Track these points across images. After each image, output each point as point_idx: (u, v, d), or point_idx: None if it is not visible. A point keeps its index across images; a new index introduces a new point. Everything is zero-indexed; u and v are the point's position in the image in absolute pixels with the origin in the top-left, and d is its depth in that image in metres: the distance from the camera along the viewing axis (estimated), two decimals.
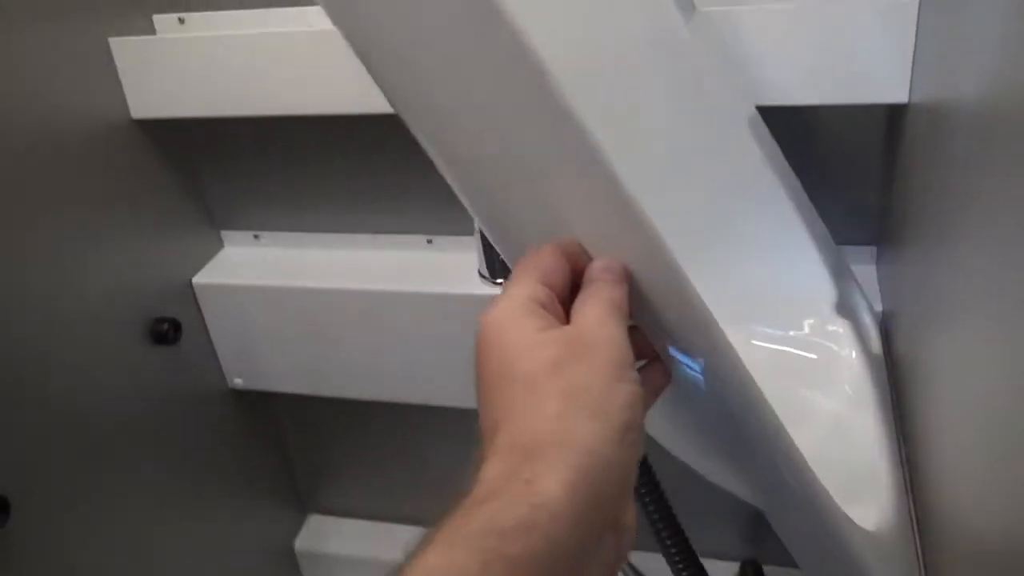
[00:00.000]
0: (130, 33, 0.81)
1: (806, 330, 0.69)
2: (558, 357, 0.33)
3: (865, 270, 0.80)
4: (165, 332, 0.88)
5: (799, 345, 0.69)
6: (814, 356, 0.68)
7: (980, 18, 0.45)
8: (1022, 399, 0.34)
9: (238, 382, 1.00)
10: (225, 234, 0.99)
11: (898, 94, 0.65)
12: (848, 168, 0.77)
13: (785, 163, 0.69)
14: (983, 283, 0.42)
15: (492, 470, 0.31)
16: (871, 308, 0.74)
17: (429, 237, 0.92)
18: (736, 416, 0.43)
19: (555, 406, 0.32)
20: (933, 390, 0.53)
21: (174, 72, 0.80)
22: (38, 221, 0.74)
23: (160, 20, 0.84)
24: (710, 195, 0.65)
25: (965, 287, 0.46)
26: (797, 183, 0.69)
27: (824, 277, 0.70)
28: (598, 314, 0.35)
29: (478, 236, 0.84)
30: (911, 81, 0.64)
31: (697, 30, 0.66)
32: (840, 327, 0.69)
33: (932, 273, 0.55)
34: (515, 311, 0.35)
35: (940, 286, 0.52)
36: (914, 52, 0.63)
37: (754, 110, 0.67)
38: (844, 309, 0.70)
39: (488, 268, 0.85)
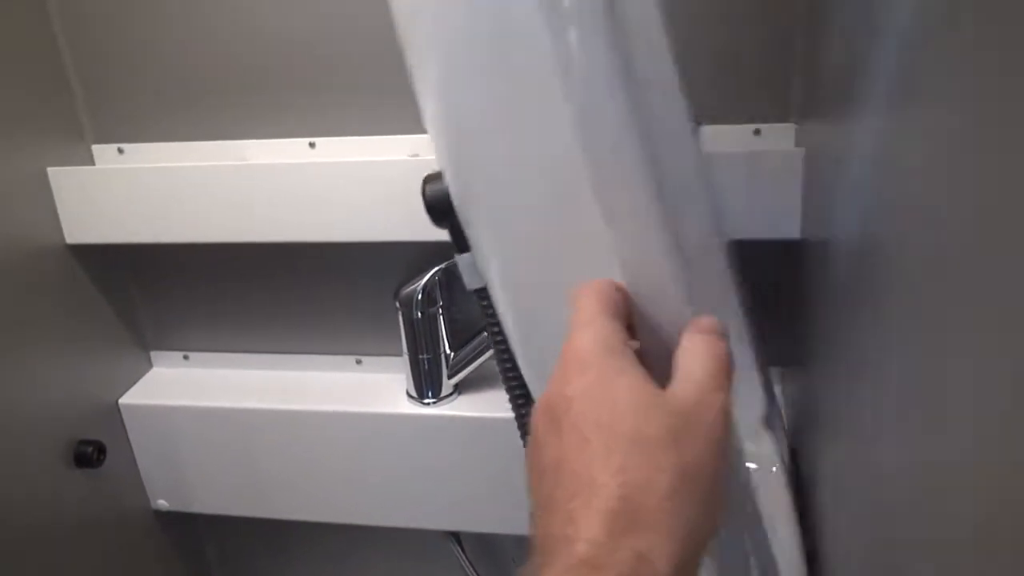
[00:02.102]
0: (71, 162, 0.84)
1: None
2: (677, 429, 0.32)
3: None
4: (89, 455, 0.87)
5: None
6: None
7: (851, 168, 0.52)
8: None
9: (162, 503, 0.99)
10: (154, 355, 1.00)
11: (790, 231, 0.72)
12: (755, 295, 0.83)
13: None
14: (869, 402, 0.46)
15: (596, 530, 0.30)
16: (784, 424, 0.78)
17: (358, 357, 0.94)
18: None
19: (670, 483, 0.31)
20: (828, 510, 0.57)
21: (108, 200, 0.82)
22: None
23: (99, 150, 0.87)
24: None
25: (853, 407, 0.50)
26: None
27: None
28: (710, 379, 0.35)
29: (407, 357, 0.87)
30: (801, 220, 0.71)
31: None
32: (766, 440, 0.72)
33: (826, 394, 0.59)
34: (614, 353, 0.34)
35: (832, 407, 0.57)
36: (803, 195, 0.70)
37: None
38: (770, 422, 0.73)
39: (416, 389, 0.88)
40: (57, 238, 0.84)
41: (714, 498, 0.32)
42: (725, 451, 0.33)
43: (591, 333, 0.35)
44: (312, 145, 0.82)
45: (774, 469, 0.73)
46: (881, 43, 0.44)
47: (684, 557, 0.31)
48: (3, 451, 0.78)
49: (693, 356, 0.35)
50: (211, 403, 0.92)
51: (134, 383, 0.97)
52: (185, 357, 0.99)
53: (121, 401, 0.94)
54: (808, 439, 0.70)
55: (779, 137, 0.75)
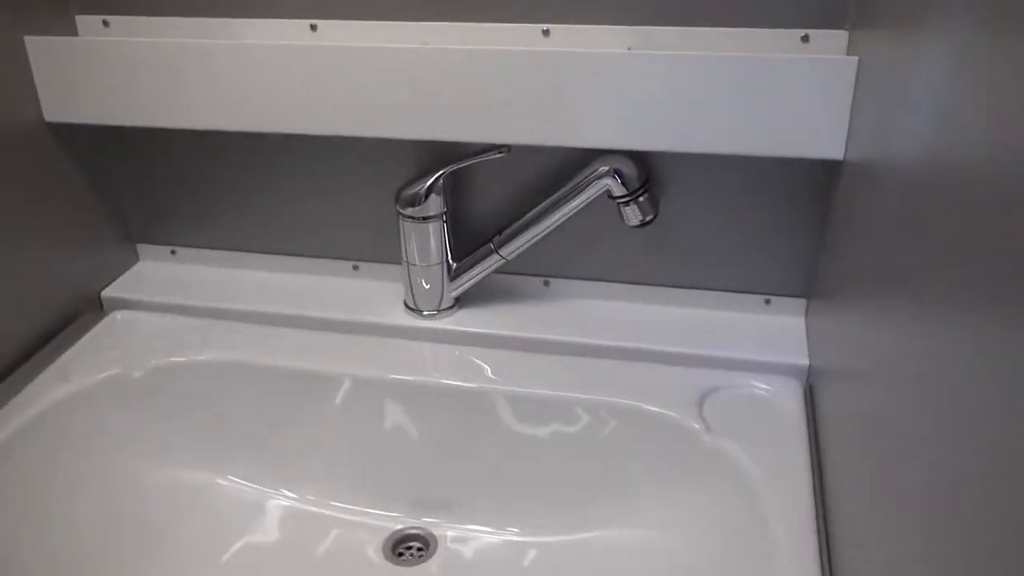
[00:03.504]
0: (51, 32, 0.77)
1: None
2: None
3: (794, 322, 0.80)
4: None
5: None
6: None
7: (917, 86, 0.45)
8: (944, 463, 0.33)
9: None
10: (140, 247, 0.94)
11: (834, 151, 0.65)
12: (780, 218, 0.77)
13: None
14: (908, 341, 0.41)
15: None
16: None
17: (355, 263, 0.89)
18: None
19: None
20: (856, 453, 0.53)
21: (92, 76, 0.76)
22: None
23: (83, 21, 0.80)
24: None
25: (890, 345, 0.45)
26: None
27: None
28: None
29: (406, 265, 0.81)
30: (847, 139, 0.64)
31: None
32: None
33: (860, 329, 0.54)
34: None
35: (866, 343, 0.52)
36: (851, 111, 0.63)
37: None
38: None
39: (414, 299, 0.83)
40: (35, 114, 0.78)
41: None
42: None
43: None
44: (314, 28, 0.75)
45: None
46: None
47: None
48: None
49: None
50: (199, 302, 0.87)
51: (118, 276, 0.92)
52: (173, 252, 0.94)
53: (104, 294, 0.89)
54: (830, 378, 0.65)
55: (830, 45, 0.68)
